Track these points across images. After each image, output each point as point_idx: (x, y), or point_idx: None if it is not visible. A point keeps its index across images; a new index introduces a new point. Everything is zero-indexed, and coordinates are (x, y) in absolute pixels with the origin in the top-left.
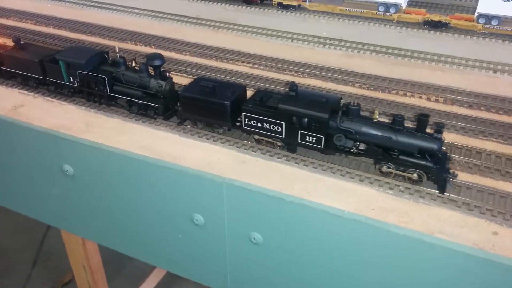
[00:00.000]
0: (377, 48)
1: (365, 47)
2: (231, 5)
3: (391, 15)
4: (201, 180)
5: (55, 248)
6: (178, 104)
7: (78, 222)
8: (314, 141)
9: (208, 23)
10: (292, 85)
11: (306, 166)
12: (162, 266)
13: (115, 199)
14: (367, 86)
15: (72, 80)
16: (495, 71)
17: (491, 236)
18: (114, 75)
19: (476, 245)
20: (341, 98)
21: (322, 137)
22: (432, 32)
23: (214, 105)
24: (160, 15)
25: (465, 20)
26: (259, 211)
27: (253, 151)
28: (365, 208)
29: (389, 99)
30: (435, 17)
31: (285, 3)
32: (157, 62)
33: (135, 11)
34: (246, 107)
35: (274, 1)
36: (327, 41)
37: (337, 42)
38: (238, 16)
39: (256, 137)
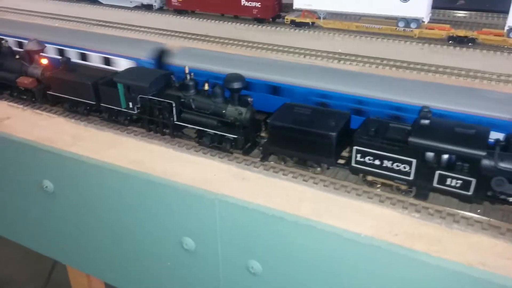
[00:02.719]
0: (398, 63)
1: (384, 62)
2: (242, 24)
3: (412, 30)
4: (190, 196)
5: (63, 280)
6: (259, 134)
7: (57, 245)
8: (458, 185)
9: (217, 40)
10: (426, 112)
11: (316, 184)
12: None
13: (97, 220)
14: None
15: (131, 106)
16: None
17: None
18: (183, 100)
19: None
20: (490, 129)
21: (471, 181)
22: (458, 48)
23: (315, 137)
24: (167, 33)
25: (494, 35)
26: (258, 233)
27: (255, 167)
28: (387, 233)
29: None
30: (461, 33)
31: (298, 20)
32: (236, 85)
33: (142, 29)
34: (360, 140)
35: (287, 19)
36: (343, 56)
37: (353, 58)
38: (248, 34)
39: (369, 178)
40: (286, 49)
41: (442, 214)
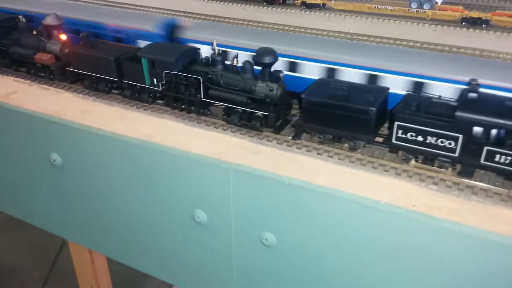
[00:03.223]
0: (411, 44)
1: (397, 42)
2: (251, 6)
3: (425, 11)
4: (203, 166)
5: (68, 267)
6: (289, 112)
7: (64, 222)
8: (508, 161)
9: (227, 20)
10: (473, 85)
11: (331, 157)
12: (158, 275)
13: (105, 194)
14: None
15: (155, 82)
16: None
17: None
18: (210, 76)
19: None
20: None
21: None
22: (471, 29)
23: (353, 113)
24: (176, 13)
25: (508, 17)
26: (273, 204)
27: (268, 140)
28: (403, 205)
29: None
30: (474, 14)
31: (309, 2)
32: (267, 59)
33: (151, 10)
34: (402, 115)
35: (298, 0)
36: (355, 36)
37: (365, 38)
38: (258, 16)
39: (410, 156)
40: (297, 29)
41: (460, 186)
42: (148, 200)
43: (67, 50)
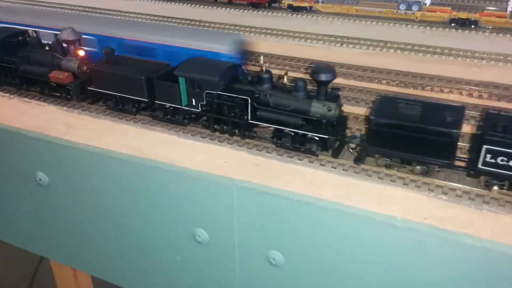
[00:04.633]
0: (402, 46)
1: (388, 45)
2: (236, 9)
3: (413, 13)
4: (204, 183)
5: (48, 280)
6: (345, 132)
7: (52, 243)
8: None
9: (212, 25)
10: None
11: (334, 168)
12: None
13: (97, 214)
14: (396, 82)
15: (194, 103)
16: None
17: None
18: (257, 95)
19: None
20: None
21: None
22: (460, 30)
23: (432, 135)
24: (159, 19)
25: (497, 17)
26: (280, 221)
27: (267, 152)
28: (415, 217)
29: (425, 96)
30: (463, 15)
31: (295, 5)
32: (325, 77)
33: (132, 15)
34: (491, 138)
35: (284, 4)
36: (345, 39)
37: (356, 41)
38: (243, 19)
39: (494, 182)
40: (285, 33)
41: (471, 195)
42: (144, 219)
43: (85, 67)
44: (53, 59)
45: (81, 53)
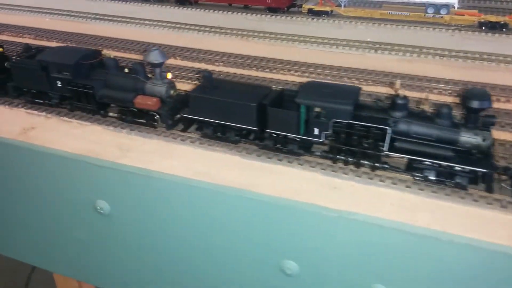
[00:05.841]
0: (438, 52)
1: (424, 50)
2: (253, 14)
3: (442, 17)
4: (303, 214)
5: None
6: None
7: (115, 276)
8: None
9: (234, 32)
10: None
11: (422, 190)
12: None
13: (169, 247)
14: (449, 92)
15: (316, 132)
16: None
17: None
18: (394, 124)
19: None
20: None
21: None
22: (490, 34)
23: None
24: (177, 25)
25: None
26: (386, 254)
27: (343, 173)
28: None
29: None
30: (492, 18)
31: (316, 9)
32: (478, 104)
33: (147, 22)
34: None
35: (304, 8)
36: (377, 45)
37: (389, 47)
38: (262, 25)
39: None
40: (307, 39)
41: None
42: (227, 253)
43: (171, 91)
44: (136, 82)
45: (169, 76)
